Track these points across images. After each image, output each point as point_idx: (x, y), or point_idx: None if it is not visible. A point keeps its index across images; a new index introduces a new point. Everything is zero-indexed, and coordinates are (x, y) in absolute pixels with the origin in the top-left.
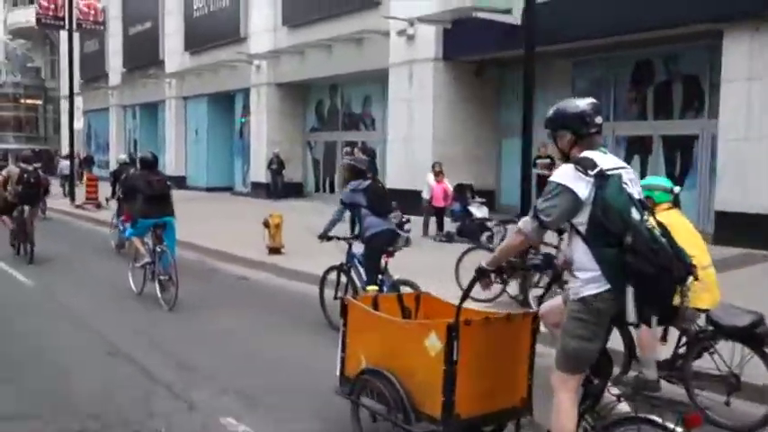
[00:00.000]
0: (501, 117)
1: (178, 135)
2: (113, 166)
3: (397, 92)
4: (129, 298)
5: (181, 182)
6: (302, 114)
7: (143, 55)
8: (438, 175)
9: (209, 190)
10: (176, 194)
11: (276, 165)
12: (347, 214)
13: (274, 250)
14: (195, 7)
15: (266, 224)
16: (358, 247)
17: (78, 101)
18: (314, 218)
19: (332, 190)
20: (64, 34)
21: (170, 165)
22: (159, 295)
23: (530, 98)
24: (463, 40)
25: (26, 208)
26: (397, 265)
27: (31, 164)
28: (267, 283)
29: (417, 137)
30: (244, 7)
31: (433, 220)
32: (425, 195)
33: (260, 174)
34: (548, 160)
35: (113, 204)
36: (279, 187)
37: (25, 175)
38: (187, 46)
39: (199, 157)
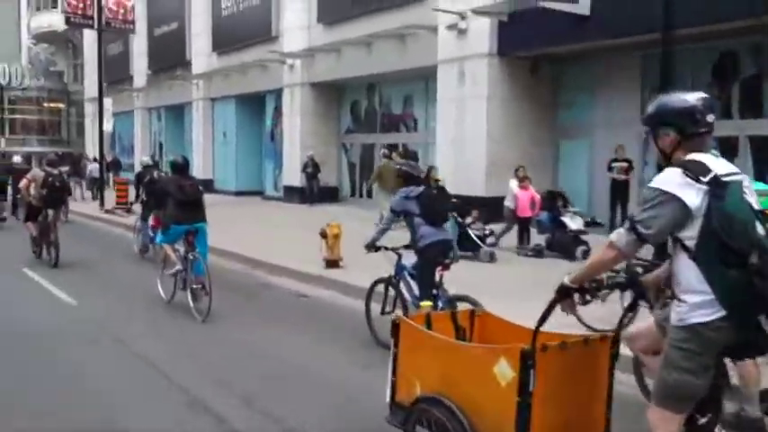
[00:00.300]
0: (558, 117)
1: (205, 137)
2: (138, 168)
3: (445, 90)
4: (159, 307)
5: (208, 185)
6: (337, 115)
7: (169, 56)
8: (523, 180)
9: (237, 194)
10: (205, 198)
11: (311, 168)
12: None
13: (332, 263)
14: (223, 6)
15: (324, 234)
16: (408, 258)
17: (107, 102)
18: (355, 224)
19: (369, 195)
20: (88, 37)
21: (197, 168)
22: (192, 305)
23: (669, 86)
24: (519, 34)
25: (50, 212)
26: (474, 281)
27: (55, 167)
28: (325, 299)
29: (469, 138)
30: (275, 5)
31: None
32: (509, 204)
33: (293, 177)
34: (625, 164)
35: (137, 208)
36: (314, 192)
37: (50, 179)
38: (215, 46)
39: (227, 159)
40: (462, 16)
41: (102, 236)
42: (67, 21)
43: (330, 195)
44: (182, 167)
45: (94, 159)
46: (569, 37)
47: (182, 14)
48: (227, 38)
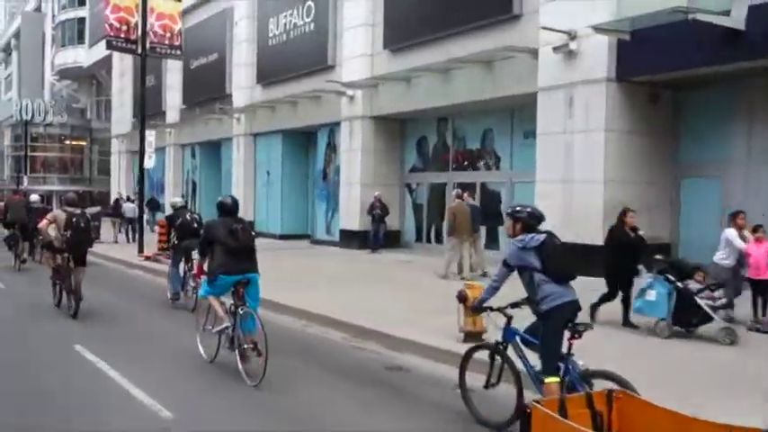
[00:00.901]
0: (680, 152)
1: (246, 176)
2: (168, 209)
3: (548, 122)
4: (200, 367)
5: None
6: (400, 152)
7: (206, 89)
8: (756, 231)
9: (282, 237)
10: None
11: (379, 210)
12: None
13: (473, 335)
14: (271, 35)
15: (462, 298)
16: (517, 319)
17: (150, 135)
18: (426, 274)
19: (437, 240)
20: (117, 67)
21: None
22: (240, 366)
23: None
24: (642, 56)
25: (70, 258)
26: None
27: (77, 207)
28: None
29: (581, 178)
30: (333, 30)
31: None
32: (726, 261)
33: (351, 220)
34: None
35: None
36: (379, 237)
37: (73, 220)
38: (259, 78)
39: (271, 200)
40: (572, 36)
41: (139, 285)
42: (109, 45)
43: (391, 240)
44: (230, 209)
45: (128, 199)
46: (706, 58)
47: (222, 45)
48: (275, 68)
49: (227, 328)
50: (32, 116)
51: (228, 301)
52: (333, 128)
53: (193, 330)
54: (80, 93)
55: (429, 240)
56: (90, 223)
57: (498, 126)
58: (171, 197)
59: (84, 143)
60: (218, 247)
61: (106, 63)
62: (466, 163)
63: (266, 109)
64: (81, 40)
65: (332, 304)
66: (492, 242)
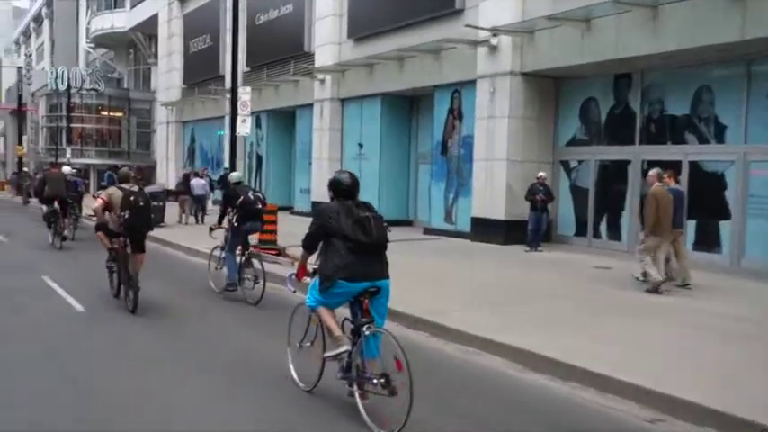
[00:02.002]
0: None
1: (332, 149)
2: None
3: None
4: (296, 395)
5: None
6: (552, 120)
7: (277, 48)
8: None
9: None
10: None
11: (544, 195)
12: None
13: None
14: None
15: None
16: None
17: (246, 94)
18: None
19: (615, 236)
20: (163, 29)
21: (317, 191)
22: (363, 411)
23: None
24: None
25: (127, 243)
26: None
27: (130, 183)
28: None
29: None
30: None
31: None
32: None
33: (492, 207)
34: None
35: (219, 234)
36: (541, 230)
37: (131, 198)
38: (351, 32)
39: (364, 178)
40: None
41: (203, 275)
42: None
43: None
44: (349, 190)
45: (196, 174)
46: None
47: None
48: (374, 18)
49: (345, 353)
50: (68, 85)
51: (343, 313)
52: (458, 89)
53: (268, 336)
54: (116, 62)
55: (597, 234)
56: (150, 203)
57: (719, 83)
58: (231, 173)
59: (121, 114)
60: (339, 243)
61: (149, 25)
62: (663, 134)
63: (361, 69)
64: (118, 4)
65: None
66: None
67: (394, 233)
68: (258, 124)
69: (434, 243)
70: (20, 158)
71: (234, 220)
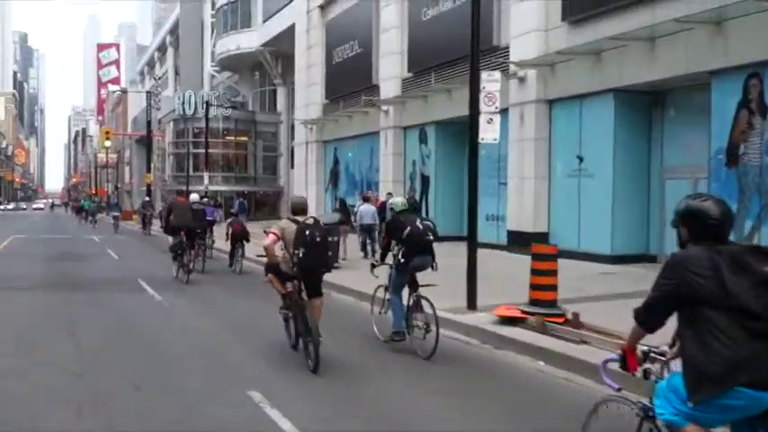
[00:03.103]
0: None
1: (538, 162)
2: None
3: None
4: None
5: (541, 241)
6: None
7: (452, 45)
8: None
9: (615, 260)
10: None
11: None
12: None
13: None
14: None
15: None
16: None
17: (493, 82)
18: None
19: None
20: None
21: (518, 213)
22: None
23: None
24: None
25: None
26: None
27: (306, 214)
28: None
29: None
30: None
31: None
32: None
33: None
34: None
35: (382, 271)
36: None
37: (307, 233)
38: (566, 14)
39: (588, 200)
40: None
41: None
42: None
43: None
44: (720, 227)
45: (366, 199)
46: None
47: None
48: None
49: None
50: (195, 110)
51: None
52: (758, 72)
53: (443, 403)
54: (241, 85)
55: None
56: (328, 238)
57: None
58: (393, 198)
59: (246, 138)
60: (722, 320)
61: (282, 39)
62: None
63: (583, 59)
64: (245, 23)
65: None
66: None
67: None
68: (423, 139)
69: None
70: (148, 186)
71: (399, 256)
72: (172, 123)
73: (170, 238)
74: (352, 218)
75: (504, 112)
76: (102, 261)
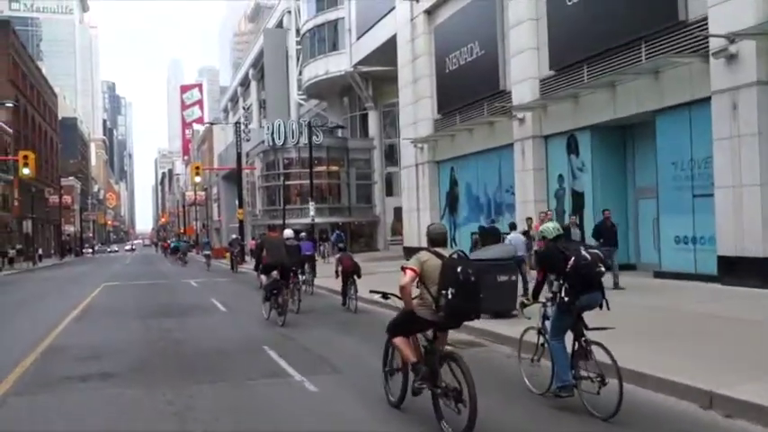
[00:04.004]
0: None
1: (731, 173)
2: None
3: None
4: None
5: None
6: None
7: (605, 33)
8: None
9: None
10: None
11: None
12: None
13: None
14: None
15: None
16: None
17: None
18: None
19: None
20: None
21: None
22: None
23: None
24: None
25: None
26: None
27: (445, 246)
28: None
29: None
30: None
31: None
32: None
33: None
34: None
35: (535, 310)
36: None
37: (458, 270)
38: None
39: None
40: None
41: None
42: None
43: None
44: None
45: (512, 227)
46: None
47: None
48: None
49: None
50: (285, 140)
51: None
52: None
53: None
54: (329, 111)
55: None
56: (479, 276)
57: None
58: (546, 224)
59: (339, 167)
60: None
61: (378, 55)
62: None
63: None
64: (332, 47)
65: None
66: None
67: None
68: (572, 149)
69: None
70: (240, 222)
71: (562, 293)
72: (261, 155)
73: (263, 277)
74: None
75: (672, 109)
76: (211, 318)
